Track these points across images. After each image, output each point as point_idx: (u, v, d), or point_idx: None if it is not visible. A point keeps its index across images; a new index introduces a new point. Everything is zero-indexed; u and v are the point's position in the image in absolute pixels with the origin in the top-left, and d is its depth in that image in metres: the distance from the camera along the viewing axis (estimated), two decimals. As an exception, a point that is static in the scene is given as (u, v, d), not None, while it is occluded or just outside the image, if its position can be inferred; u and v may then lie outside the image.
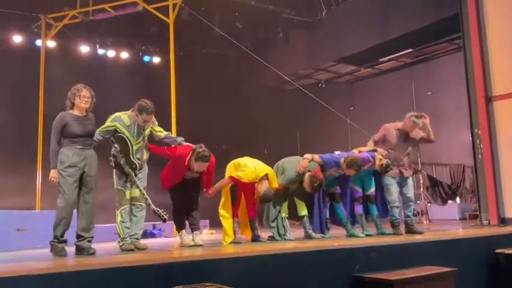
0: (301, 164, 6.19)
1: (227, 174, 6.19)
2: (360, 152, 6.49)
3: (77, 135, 5.09)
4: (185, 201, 5.95)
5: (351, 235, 6.39)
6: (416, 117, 6.51)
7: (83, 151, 5.11)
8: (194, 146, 5.83)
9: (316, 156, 6.31)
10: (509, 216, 7.77)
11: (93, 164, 5.18)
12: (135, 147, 5.54)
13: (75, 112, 5.18)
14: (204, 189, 6.12)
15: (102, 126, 5.54)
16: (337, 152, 6.92)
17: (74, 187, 5.03)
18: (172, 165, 6.01)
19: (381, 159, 6.34)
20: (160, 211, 5.40)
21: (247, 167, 6.02)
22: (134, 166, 5.53)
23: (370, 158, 6.41)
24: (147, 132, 5.68)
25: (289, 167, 6.33)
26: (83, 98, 5.16)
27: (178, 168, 5.91)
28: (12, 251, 6.27)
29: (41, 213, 8.16)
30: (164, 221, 5.46)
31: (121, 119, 5.56)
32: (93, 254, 4.93)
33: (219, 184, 6.12)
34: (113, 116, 5.60)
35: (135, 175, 5.52)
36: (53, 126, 5.16)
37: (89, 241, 5.08)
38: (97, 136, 5.45)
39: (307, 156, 6.28)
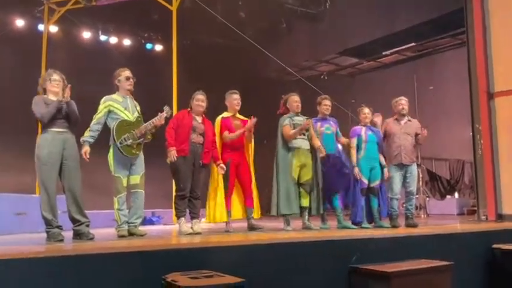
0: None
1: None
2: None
3: (56, 117, 5.04)
4: (190, 185, 5.88)
5: (343, 227, 6.44)
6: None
7: (61, 134, 5.07)
8: None
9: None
10: (507, 212, 7.78)
11: (73, 147, 5.15)
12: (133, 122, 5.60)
13: (50, 97, 5.15)
14: (217, 163, 6.12)
15: (97, 113, 5.52)
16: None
17: (54, 179, 5.01)
18: (177, 122, 5.94)
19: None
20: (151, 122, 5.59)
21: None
22: (139, 136, 5.55)
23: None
24: (138, 109, 5.77)
25: None
26: (53, 81, 5.16)
27: (183, 124, 5.90)
28: (11, 235, 6.28)
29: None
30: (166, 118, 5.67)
31: (111, 98, 5.60)
32: (92, 239, 4.94)
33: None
34: (102, 99, 5.60)
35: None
36: (33, 107, 5.04)
37: (87, 225, 5.09)
38: (95, 127, 5.45)
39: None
